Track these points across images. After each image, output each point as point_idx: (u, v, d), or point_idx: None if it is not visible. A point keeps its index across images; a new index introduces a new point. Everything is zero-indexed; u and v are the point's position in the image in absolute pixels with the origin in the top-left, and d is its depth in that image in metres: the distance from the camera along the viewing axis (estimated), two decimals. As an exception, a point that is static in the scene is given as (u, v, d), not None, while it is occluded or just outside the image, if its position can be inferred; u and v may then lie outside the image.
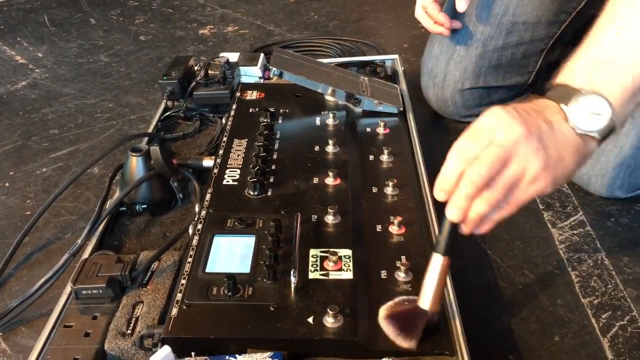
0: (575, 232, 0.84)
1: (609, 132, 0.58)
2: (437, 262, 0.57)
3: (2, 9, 1.86)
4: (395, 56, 1.20)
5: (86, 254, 0.77)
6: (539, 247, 0.82)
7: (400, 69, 1.15)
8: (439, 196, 0.58)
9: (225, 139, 0.92)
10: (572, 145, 0.57)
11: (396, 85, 1.07)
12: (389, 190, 0.80)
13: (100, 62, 1.48)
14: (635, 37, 0.58)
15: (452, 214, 0.56)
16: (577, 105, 0.57)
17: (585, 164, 0.60)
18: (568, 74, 0.60)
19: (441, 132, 1.12)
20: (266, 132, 0.91)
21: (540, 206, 0.90)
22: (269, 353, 0.57)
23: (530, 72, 1.06)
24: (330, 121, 0.96)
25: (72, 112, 1.25)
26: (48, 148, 1.13)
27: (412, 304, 0.59)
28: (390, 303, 0.61)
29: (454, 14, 1.02)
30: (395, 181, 0.81)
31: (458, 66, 1.05)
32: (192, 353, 0.57)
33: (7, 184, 1.03)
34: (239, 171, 0.84)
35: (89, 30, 1.66)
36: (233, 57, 1.16)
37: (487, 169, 0.54)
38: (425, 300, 0.57)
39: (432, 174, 0.88)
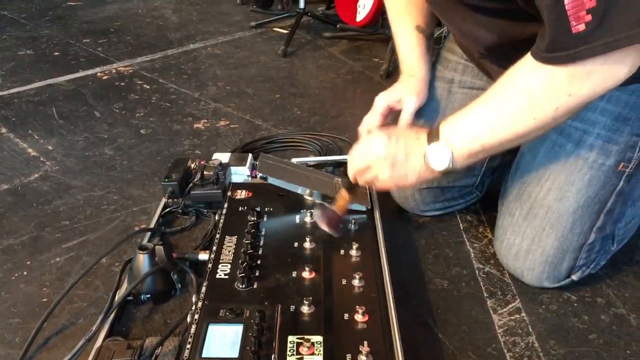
0: (512, 317, 1.00)
1: (446, 172, 0.92)
2: (343, 193, 1.08)
3: (13, 101, 2.05)
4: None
5: (100, 339, 0.91)
6: (481, 331, 0.97)
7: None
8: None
9: (218, 235, 1.08)
10: (417, 171, 0.95)
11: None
12: (355, 282, 0.96)
13: (105, 155, 1.65)
14: (477, 121, 0.89)
15: (349, 174, 1.05)
16: (433, 149, 0.91)
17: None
18: (444, 123, 0.92)
19: (404, 224, 1.28)
20: (253, 230, 1.07)
21: (485, 294, 1.06)
22: None
23: (476, 175, 1.24)
24: (307, 219, 1.12)
25: (80, 204, 1.41)
26: (60, 239, 1.28)
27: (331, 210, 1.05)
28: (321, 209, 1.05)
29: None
30: (361, 274, 0.97)
31: None
32: None
33: (25, 273, 1.18)
34: (229, 266, 1.00)
35: (94, 124, 1.84)
36: (225, 157, 1.34)
37: (356, 167, 1.02)
38: (338, 209, 1.06)
39: (395, 265, 1.05)
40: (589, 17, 0.72)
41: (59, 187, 1.49)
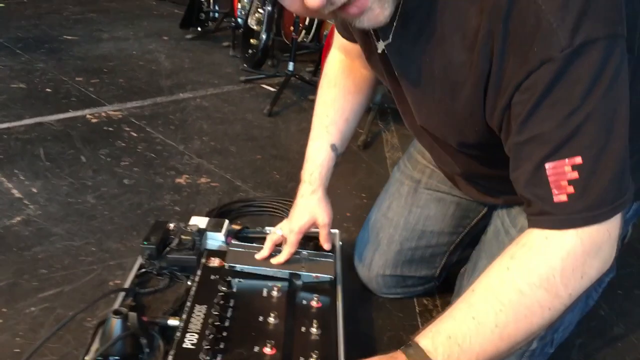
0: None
1: None
2: None
3: (2, 137, 2.11)
4: (336, 231, 1.46)
5: (67, 399, 0.97)
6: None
7: (338, 244, 1.42)
8: None
9: (189, 304, 1.15)
10: None
11: (332, 255, 1.34)
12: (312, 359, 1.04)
13: (87, 203, 1.71)
14: (482, 326, 0.77)
15: None
16: None
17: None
18: (427, 341, 0.78)
19: (365, 302, 1.37)
20: (222, 301, 1.15)
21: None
22: None
23: (436, 267, 1.34)
24: (274, 293, 1.20)
25: (59, 253, 1.47)
26: (37, 287, 1.34)
27: None
28: None
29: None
30: (319, 352, 1.05)
31: (381, 257, 1.33)
32: None
33: (0, 320, 1.23)
34: (197, 336, 1.07)
35: (79, 169, 1.91)
36: (202, 222, 1.42)
37: None
38: None
39: (352, 342, 1.12)
40: (571, 189, 0.74)
41: (40, 233, 1.55)
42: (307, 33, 3.24)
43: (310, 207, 1.23)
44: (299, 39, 2.98)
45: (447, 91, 0.85)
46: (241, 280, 1.25)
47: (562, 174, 0.74)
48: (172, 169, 1.97)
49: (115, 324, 1.06)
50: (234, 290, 1.22)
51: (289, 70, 2.70)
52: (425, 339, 0.79)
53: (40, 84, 2.69)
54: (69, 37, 3.55)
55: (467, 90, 0.81)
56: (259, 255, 1.28)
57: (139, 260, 1.33)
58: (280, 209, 1.71)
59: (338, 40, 1.23)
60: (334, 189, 1.83)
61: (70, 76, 2.83)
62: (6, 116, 2.29)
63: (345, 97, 1.23)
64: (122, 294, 1.23)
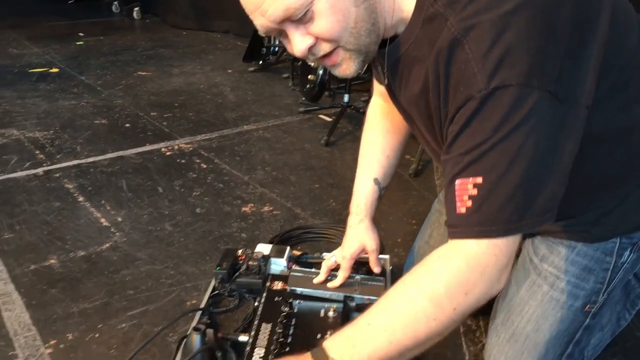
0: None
1: None
2: None
3: (89, 170, 2.38)
4: (387, 257, 1.60)
5: (157, 402, 1.15)
6: None
7: (388, 268, 1.56)
8: None
9: (256, 322, 1.33)
10: None
11: (383, 278, 1.48)
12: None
13: (165, 230, 1.93)
14: (375, 329, 0.88)
15: None
16: None
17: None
18: (330, 342, 0.90)
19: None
20: (285, 320, 1.31)
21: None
22: None
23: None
24: (331, 314, 1.36)
25: (143, 275, 1.68)
26: (126, 306, 1.55)
27: None
28: None
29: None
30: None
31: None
32: None
33: (97, 335, 1.44)
34: (264, 350, 1.24)
35: (157, 199, 2.14)
36: (266, 249, 1.60)
37: None
38: None
39: None
40: (469, 203, 0.86)
41: (126, 258, 1.77)
42: (362, 65, 3.41)
43: (359, 235, 1.38)
44: (354, 71, 3.14)
45: (425, 120, 1.01)
46: (301, 301, 1.41)
47: (465, 190, 0.86)
48: (239, 198, 2.17)
49: (196, 339, 1.24)
50: (295, 310, 1.38)
51: (345, 102, 2.88)
52: (328, 341, 0.91)
53: (120, 120, 2.98)
54: (143, 73, 3.87)
55: (429, 120, 0.98)
56: (316, 280, 1.44)
57: (212, 283, 1.51)
58: (336, 235, 1.87)
59: (377, 87, 1.39)
60: (385, 216, 1.98)
61: (146, 111, 3.11)
62: (92, 151, 2.57)
63: (384, 137, 1.38)
64: (199, 313, 1.41)
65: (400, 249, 1.82)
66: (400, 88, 1.04)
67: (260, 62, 3.99)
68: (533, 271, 1.20)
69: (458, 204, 0.88)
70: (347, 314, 1.38)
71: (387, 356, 0.87)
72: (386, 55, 1.00)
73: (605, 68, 0.90)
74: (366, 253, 1.42)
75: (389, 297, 0.91)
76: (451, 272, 0.87)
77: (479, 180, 0.86)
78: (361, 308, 1.39)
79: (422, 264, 0.91)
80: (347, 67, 0.95)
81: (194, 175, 2.35)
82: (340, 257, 1.42)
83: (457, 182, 0.88)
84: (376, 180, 1.39)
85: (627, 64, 0.96)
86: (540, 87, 0.81)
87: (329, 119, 3.04)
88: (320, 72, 2.90)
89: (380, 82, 1.22)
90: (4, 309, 1.52)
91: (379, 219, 1.44)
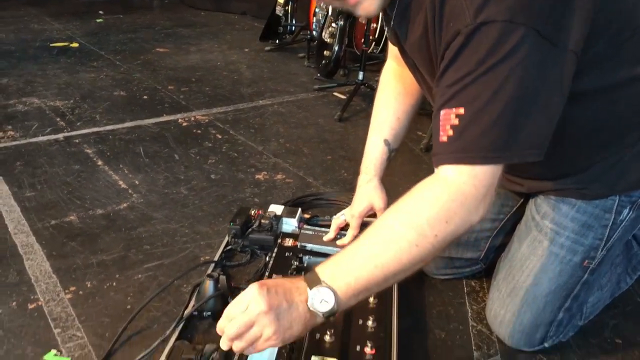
0: (491, 367, 1.25)
1: (330, 315, 0.92)
2: None
3: (108, 137, 2.44)
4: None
5: (171, 341, 1.21)
6: (464, 375, 1.23)
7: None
8: (219, 332, 0.94)
9: (267, 273, 1.38)
10: (302, 319, 0.92)
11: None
12: (369, 323, 1.23)
13: (181, 194, 1.99)
14: (362, 254, 0.93)
15: (222, 345, 0.94)
16: (315, 292, 0.91)
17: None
18: (321, 266, 0.94)
19: (418, 282, 1.54)
20: (295, 273, 1.37)
21: (473, 347, 1.31)
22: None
23: (481, 250, 1.50)
24: (339, 269, 1.41)
25: (159, 233, 1.74)
26: (142, 260, 1.61)
27: None
28: None
29: None
30: (374, 317, 1.24)
31: None
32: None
33: (114, 284, 1.50)
34: (273, 298, 1.29)
35: (173, 165, 2.20)
36: (279, 209, 1.65)
37: (236, 329, 0.90)
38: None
39: (403, 313, 1.30)
40: (451, 132, 0.90)
41: (143, 217, 1.83)
42: (377, 45, 3.46)
43: (367, 194, 1.43)
44: (369, 51, 3.18)
45: (427, 64, 1.06)
46: (311, 257, 1.46)
47: (448, 120, 0.90)
48: (252, 167, 2.22)
49: (209, 284, 1.30)
50: (305, 265, 1.43)
51: (359, 79, 2.91)
52: (320, 266, 0.95)
53: (138, 92, 3.04)
54: (161, 50, 3.92)
55: (430, 63, 1.03)
56: (326, 237, 1.49)
57: (226, 239, 1.57)
58: (347, 203, 1.91)
59: (391, 50, 1.43)
60: (395, 187, 2.01)
61: (164, 85, 3.17)
62: (111, 120, 2.64)
63: (396, 99, 1.42)
64: (212, 265, 1.47)
65: (408, 217, 1.86)
66: (407, 35, 1.08)
67: (277, 41, 4.03)
68: (534, 228, 1.24)
69: (441, 133, 0.92)
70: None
71: (373, 278, 0.91)
72: (397, 1, 1.04)
73: (602, 22, 0.94)
74: (374, 212, 1.46)
75: (375, 226, 0.95)
76: (433, 201, 0.91)
77: (461, 110, 0.90)
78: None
79: (407, 195, 0.95)
80: (368, 4, 0.99)
81: (210, 145, 2.41)
82: (349, 215, 1.47)
83: (442, 112, 0.92)
84: (386, 142, 1.43)
85: (626, 22, 0.99)
86: (527, 24, 0.85)
87: (342, 97, 3.07)
88: (336, 48, 2.94)
89: (393, 43, 1.26)
90: (26, 258, 1.59)
91: (389, 189, 1.48)
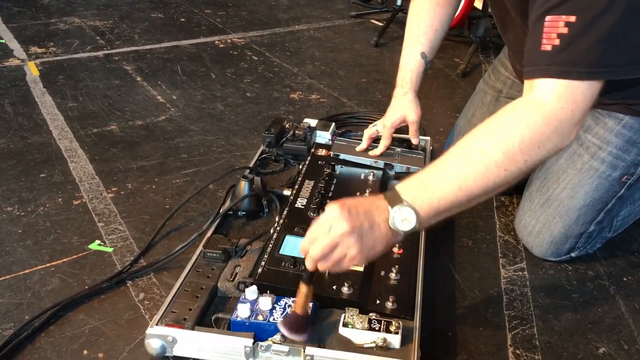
0: (516, 273, 1.28)
1: (412, 233, 0.89)
2: (302, 288, 0.96)
3: (146, 56, 2.47)
4: (428, 138, 1.66)
5: (208, 234, 1.26)
6: (489, 278, 1.26)
7: (428, 147, 1.62)
8: (302, 254, 0.93)
9: (300, 178, 1.42)
10: (384, 238, 0.89)
11: (422, 153, 1.55)
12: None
13: (217, 109, 2.02)
14: (447, 175, 0.89)
15: (307, 265, 0.91)
16: (397, 211, 0.87)
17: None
18: (402, 185, 0.90)
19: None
20: (327, 178, 1.40)
21: (499, 254, 1.34)
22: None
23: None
24: (370, 177, 1.44)
25: (196, 143, 1.79)
26: (180, 166, 1.66)
27: (292, 312, 0.97)
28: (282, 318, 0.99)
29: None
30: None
31: None
32: (267, 291, 1.04)
33: (153, 186, 1.56)
34: (306, 200, 1.33)
35: (209, 83, 2.23)
36: (313, 122, 1.67)
37: (321, 251, 0.88)
38: (298, 308, 0.96)
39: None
40: (557, 41, 0.84)
41: (180, 129, 1.88)
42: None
43: (401, 106, 1.43)
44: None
45: None
46: (343, 166, 1.49)
47: (555, 27, 0.84)
48: (287, 87, 2.23)
49: (244, 185, 1.34)
50: (337, 173, 1.46)
51: (397, 5, 2.86)
52: (401, 185, 0.92)
53: (176, 15, 3.05)
54: (198, -24, 3.89)
55: None
56: (359, 148, 1.51)
57: (261, 148, 1.61)
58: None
59: None
60: (429, 109, 2.01)
61: (201, 9, 3.17)
62: (149, 39, 2.66)
63: (434, 10, 1.40)
64: (247, 171, 1.51)
65: (441, 137, 1.86)
66: None
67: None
68: (575, 141, 1.22)
69: (544, 41, 0.86)
70: (385, 180, 1.45)
71: (456, 200, 0.89)
72: None
73: None
74: (406, 124, 1.47)
75: (462, 146, 0.91)
76: (527, 125, 0.87)
77: (572, 19, 0.84)
78: (400, 177, 1.46)
79: (497, 116, 0.90)
80: None
81: (246, 65, 2.42)
82: (382, 126, 1.48)
83: (548, 18, 0.86)
84: (423, 54, 1.42)
85: None
86: None
87: (379, 24, 3.03)
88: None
89: None
90: (70, 161, 1.66)
91: (423, 111, 1.48)
